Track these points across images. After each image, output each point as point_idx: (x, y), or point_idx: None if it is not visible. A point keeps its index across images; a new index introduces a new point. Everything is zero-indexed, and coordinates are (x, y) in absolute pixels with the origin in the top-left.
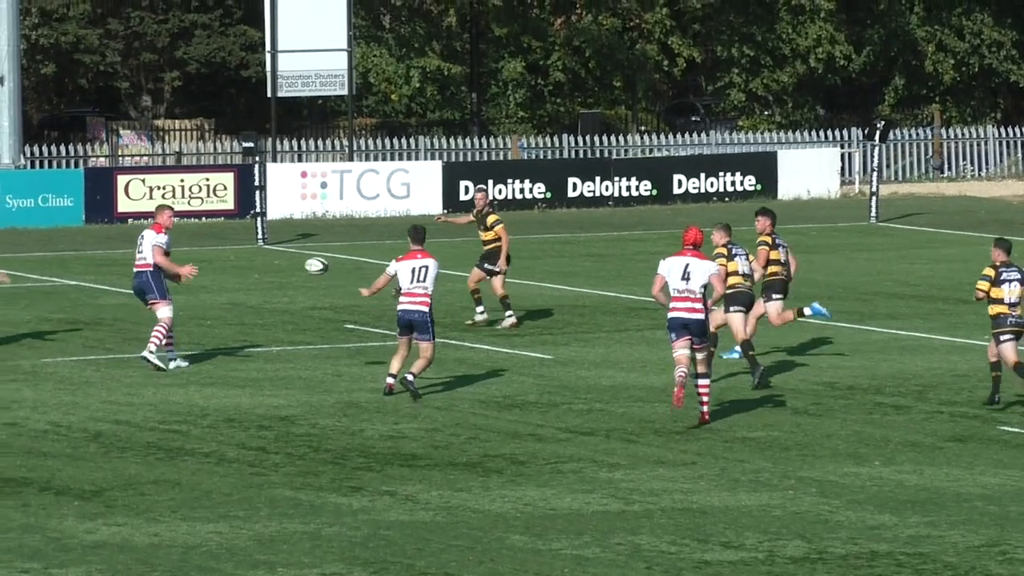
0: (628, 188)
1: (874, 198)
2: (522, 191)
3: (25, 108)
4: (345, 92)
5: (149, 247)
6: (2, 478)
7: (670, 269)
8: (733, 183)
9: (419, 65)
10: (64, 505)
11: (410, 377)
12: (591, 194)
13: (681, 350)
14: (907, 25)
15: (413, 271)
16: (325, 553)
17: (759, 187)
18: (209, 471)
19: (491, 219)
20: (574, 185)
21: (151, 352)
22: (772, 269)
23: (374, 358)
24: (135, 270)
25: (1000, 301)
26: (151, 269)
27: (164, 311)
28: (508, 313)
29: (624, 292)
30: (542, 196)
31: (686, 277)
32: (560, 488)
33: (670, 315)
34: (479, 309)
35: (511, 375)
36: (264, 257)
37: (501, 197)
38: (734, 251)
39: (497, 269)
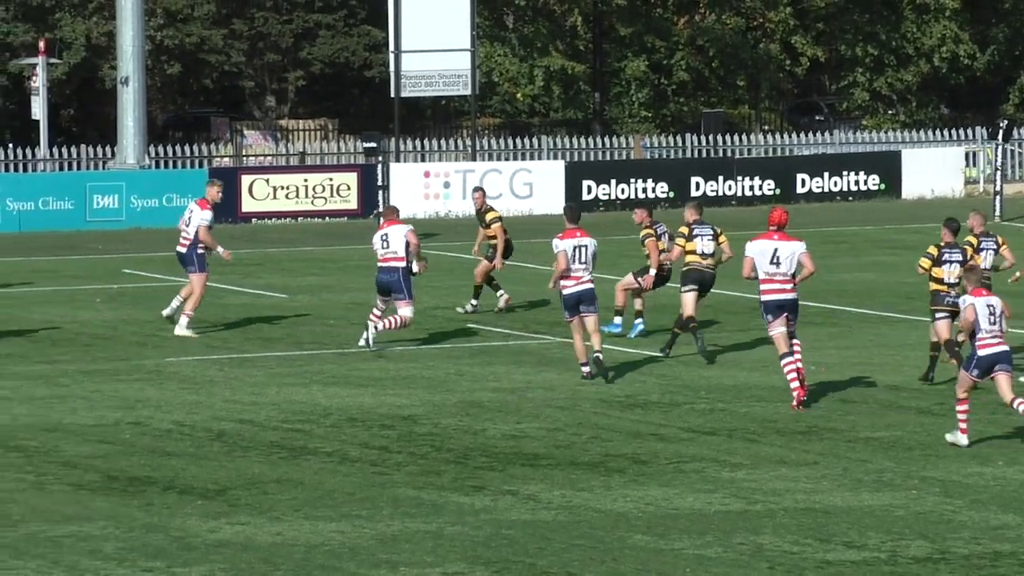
0: (751, 187)
1: (998, 197)
2: (645, 191)
3: (150, 108)
4: (468, 92)
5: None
6: (127, 477)
7: (760, 251)
8: (857, 182)
9: (543, 64)
10: (187, 504)
11: (599, 356)
12: (714, 193)
13: (778, 328)
14: None
15: (574, 249)
16: (447, 552)
17: (883, 186)
18: (332, 470)
19: (490, 216)
20: (697, 184)
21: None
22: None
23: (496, 358)
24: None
25: (940, 280)
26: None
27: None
28: (500, 294)
29: (747, 292)
30: (665, 195)
31: (775, 261)
32: (682, 488)
33: (765, 298)
34: (499, 294)
35: (633, 375)
36: None
37: (624, 196)
38: (696, 231)
39: (493, 262)
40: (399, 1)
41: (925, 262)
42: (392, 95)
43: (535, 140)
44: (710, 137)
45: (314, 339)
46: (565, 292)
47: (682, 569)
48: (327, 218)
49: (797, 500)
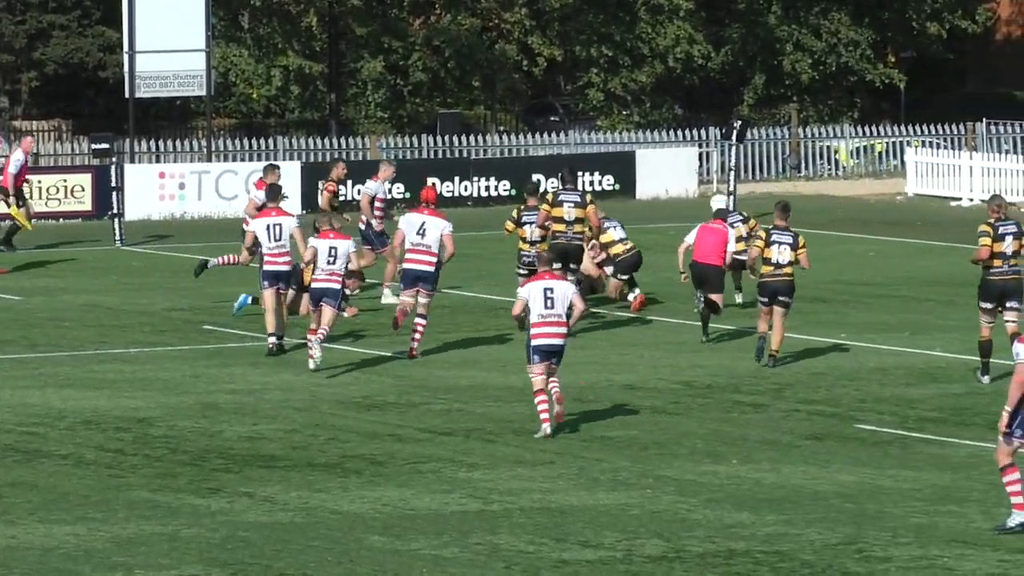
0: (488, 188)
1: (731, 197)
2: (389, 191)
3: None
4: (204, 92)
5: None
6: None
7: (408, 223)
8: (592, 183)
9: (281, 64)
10: None
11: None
12: (450, 194)
13: (408, 297)
14: (766, 24)
15: (329, 249)
16: (183, 555)
17: (618, 186)
18: (67, 473)
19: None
20: (433, 185)
21: None
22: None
23: (233, 360)
24: None
25: (768, 261)
26: None
27: None
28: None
29: (484, 292)
30: (401, 196)
31: (421, 232)
32: (419, 488)
33: (406, 265)
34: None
35: (370, 375)
36: (122, 258)
37: (360, 198)
38: (606, 224)
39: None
40: (133, 1)
41: (759, 243)
42: (126, 96)
43: (271, 141)
44: (446, 138)
45: (49, 341)
46: (313, 285)
47: (419, 569)
48: (61, 219)
49: (534, 500)
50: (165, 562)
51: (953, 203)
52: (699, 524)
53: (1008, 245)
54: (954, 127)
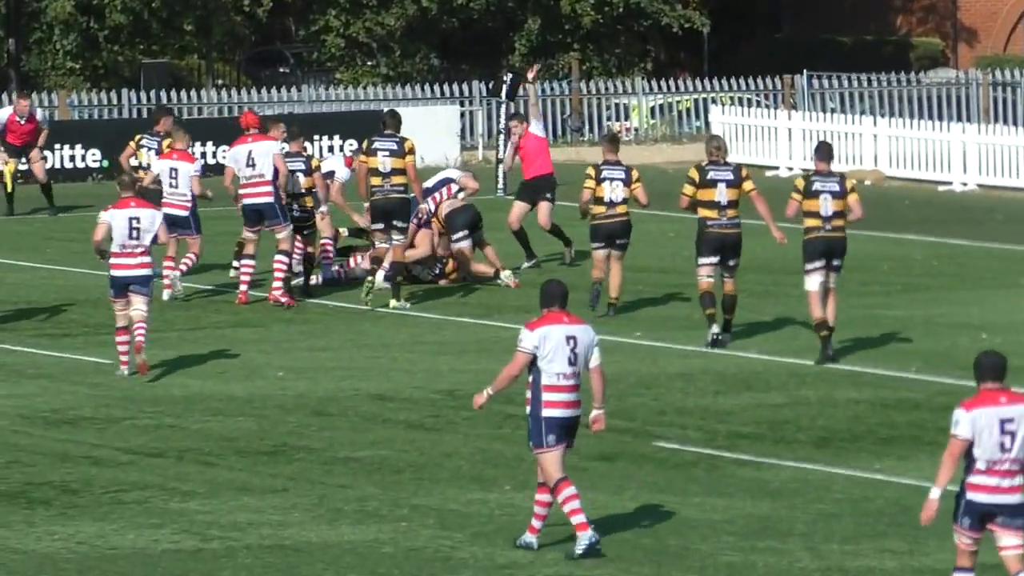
0: (203, 154)
1: (500, 166)
2: (72, 158)
3: None
4: None
5: None
6: None
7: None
8: (330, 148)
9: None
10: None
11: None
12: None
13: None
14: None
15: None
16: None
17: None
18: None
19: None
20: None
21: None
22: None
23: None
24: None
25: (600, 200)
26: None
27: None
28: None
29: (203, 283)
30: (98, 164)
31: (251, 163)
32: (122, 523)
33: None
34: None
35: (61, 384)
36: None
37: (48, 166)
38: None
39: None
40: None
41: (589, 183)
42: None
43: None
44: (152, 93)
45: None
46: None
47: None
48: None
49: (263, 535)
50: None
51: (769, 172)
52: (465, 564)
53: (722, 194)
54: (768, 81)
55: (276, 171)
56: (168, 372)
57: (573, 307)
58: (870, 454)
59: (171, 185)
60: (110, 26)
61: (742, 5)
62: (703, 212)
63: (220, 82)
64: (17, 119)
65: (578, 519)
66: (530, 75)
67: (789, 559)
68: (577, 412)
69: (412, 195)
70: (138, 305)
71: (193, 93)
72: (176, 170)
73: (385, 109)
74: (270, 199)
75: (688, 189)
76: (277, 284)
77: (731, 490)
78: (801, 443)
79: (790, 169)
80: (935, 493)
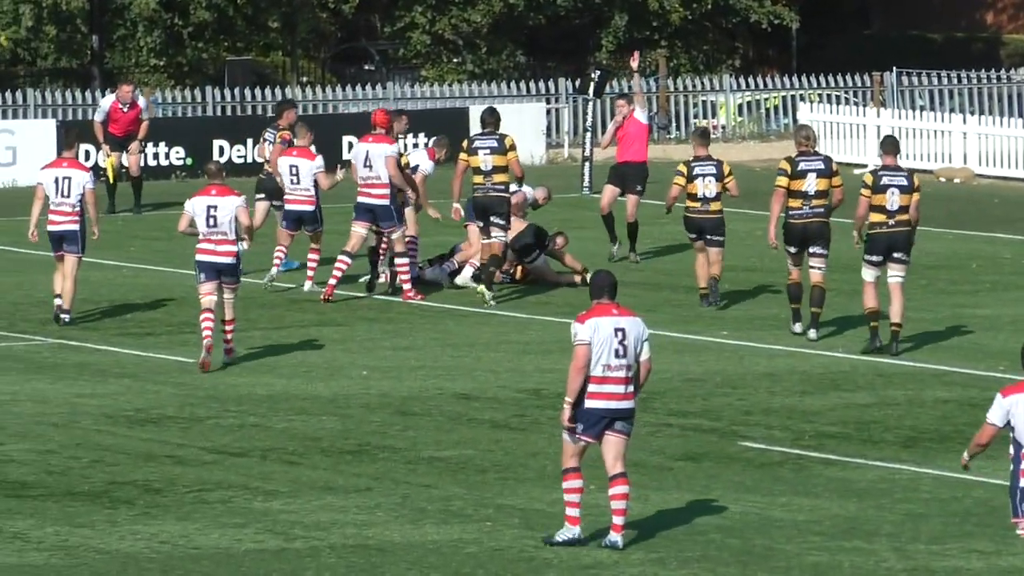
0: None
1: (587, 164)
2: (156, 156)
3: None
4: None
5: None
6: None
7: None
8: (415, 144)
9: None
10: None
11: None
12: (241, 159)
13: None
14: None
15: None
16: None
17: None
18: None
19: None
20: (221, 148)
21: None
22: None
23: None
24: None
25: (694, 196)
26: None
27: None
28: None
29: (287, 281)
30: (181, 162)
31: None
32: (205, 522)
33: None
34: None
35: (144, 383)
36: None
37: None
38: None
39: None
40: None
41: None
42: None
43: (20, 94)
44: (236, 91)
45: None
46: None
47: None
48: None
49: (347, 535)
50: None
51: (857, 170)
52: (550, 564)
53: (811, 184)
54: (857, 78)
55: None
56: (252, 371)
57: (630, 300)
58: (958, 454)
59: (292, 182)
60: (194, 23)
61: (831, 1)
62: (790, 202)
63: (305, 79)
64: (120, 106)
65: (571, 512)
66: (634, 63)
67: (875, 559)
68: (625, 404)
69: (515, 191)
70: (227, 295)
71: (277, 90)
72: (296, 167)
73: (480, 107)
74: (384, 201)
75: (782, 180)
76: (406, 286)
77: (817, 490)
78: (888, 443)
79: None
80: None
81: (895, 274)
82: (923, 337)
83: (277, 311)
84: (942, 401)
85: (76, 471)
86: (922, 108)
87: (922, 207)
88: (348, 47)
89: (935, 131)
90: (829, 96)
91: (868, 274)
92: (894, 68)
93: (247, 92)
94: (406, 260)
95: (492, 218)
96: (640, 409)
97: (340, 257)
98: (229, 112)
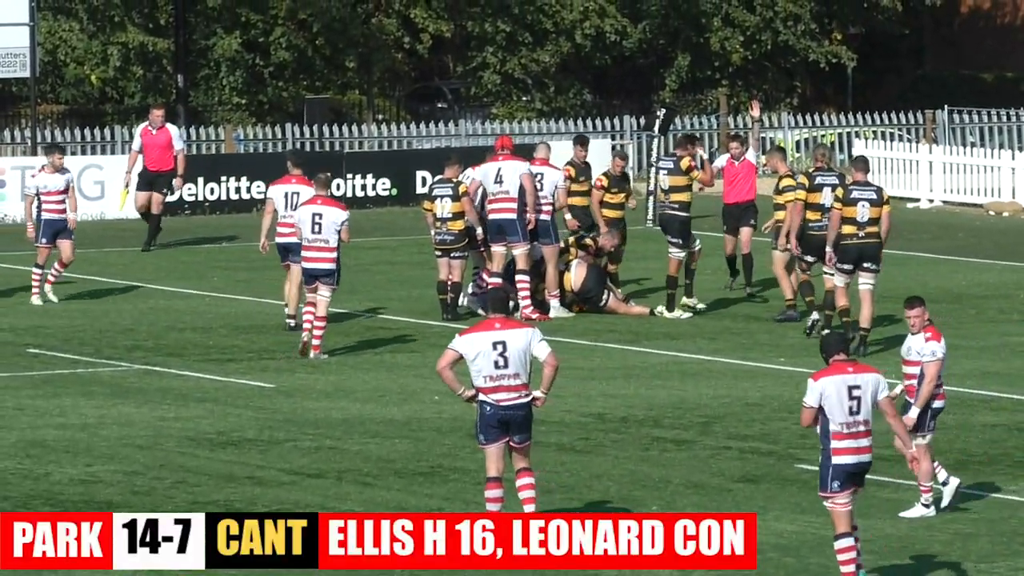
0: (364, 186)
1: (651, 198)
2: (238, 190)
3: None
4: (27, 74)
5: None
6: None
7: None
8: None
9: (119, 41)
10: None
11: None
12: None
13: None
14: None
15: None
16: None
17: None
18: None
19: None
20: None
21: None
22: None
23: (62, 389)
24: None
25: (852, 220)
26: None
27: None
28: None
29: (360, 308)
30: (263, 195)
31: (498, 181)
32: None
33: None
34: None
35: (225, 407)
36: None
37: (214, 198)
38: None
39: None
40: None
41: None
42: None
43: (108, 131)
44: (315, 128)
45: None
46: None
47: None
48: None
49: None
50: None
51: (910, 204)
52: None
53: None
54: (911, 115)
55: (523, 189)
56: (329, 396)
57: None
58: (1006, 476)
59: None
60: (275, 63)
61: (887, 41)
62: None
63: (380, 117)
64: (149, 128)
65: (528, 503)
66: (755, 112)
67: None
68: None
69: (685, 215)
70: (323, 292)
71: (355, 128)
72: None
73: (550, 143)
74: (512, 215)
75: (800, 193)
76: (526, 303)
77: (870, 511)
78: (941, 464)
79: (931, 201)
80: None
81: (865, 281)
82: (972, 364)
83: (352, 338)
84: (991, 425)
85: (160, 491)
86: (972, 145)
87: (971, 239)
88: (422, 86)
89: (985, 167)
90: (883, 133)
91: (839, 280)
92: (946, 106)
93: (325, 129)
94: (526, 277)
95: (668, 236)
96: (700, 433)
97: (518, 278)
98: (308, 148)
